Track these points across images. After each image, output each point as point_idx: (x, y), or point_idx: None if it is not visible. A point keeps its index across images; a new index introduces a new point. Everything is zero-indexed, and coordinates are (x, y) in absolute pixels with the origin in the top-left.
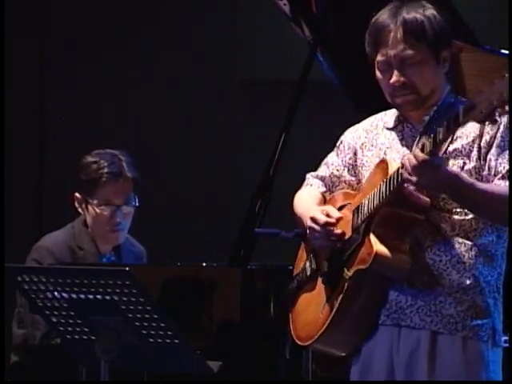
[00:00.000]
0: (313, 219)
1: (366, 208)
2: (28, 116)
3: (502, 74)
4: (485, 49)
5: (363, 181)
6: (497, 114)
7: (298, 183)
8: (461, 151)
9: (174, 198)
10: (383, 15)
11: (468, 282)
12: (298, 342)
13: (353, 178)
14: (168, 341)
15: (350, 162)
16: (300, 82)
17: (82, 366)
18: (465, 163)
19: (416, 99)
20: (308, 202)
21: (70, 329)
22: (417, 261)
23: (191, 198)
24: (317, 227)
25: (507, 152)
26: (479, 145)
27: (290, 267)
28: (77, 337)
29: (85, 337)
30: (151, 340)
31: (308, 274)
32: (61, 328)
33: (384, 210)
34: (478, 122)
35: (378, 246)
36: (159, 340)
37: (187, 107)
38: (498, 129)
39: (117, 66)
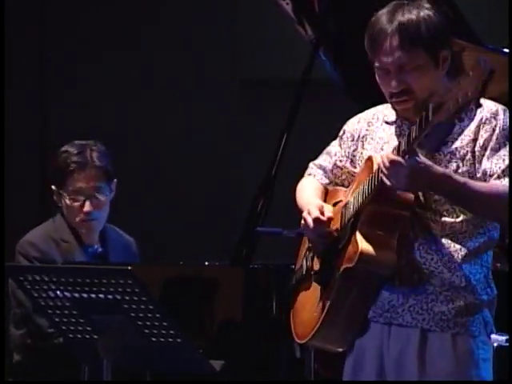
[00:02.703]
0: (308, 211)
1: (351, 206)
2: (28, 116)
3: (467, 72)
4: (487, 48)
5: None
6: (463, 112)
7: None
8: (455, 154)
9: (175, 197)
10: (381, 17)
11: (459, 281)
12: (297, 340)
13: (355, 170)
14: (170, 340)
15: (354, 153)
16: (303, 81)
17: (85, 366)
18: (458, 166)
19: (415, 105)
20: (310, 194)
21: (72, 328)
22: (408, 259)
23: (192, 198)
24: (309, 221)
25: (502, 153)
26: (473, 149)
27: (292, 266)
28: (79, 336)
29: (87, 336)
30: (153, 339)
31: (304, 272)
32: (63, 327)
33: (368, 207)
34: (447, 120)
35: (364, 245)
36: (161, 339)
37: (187, 107)
38: (494, 131)
39: (117, 66)
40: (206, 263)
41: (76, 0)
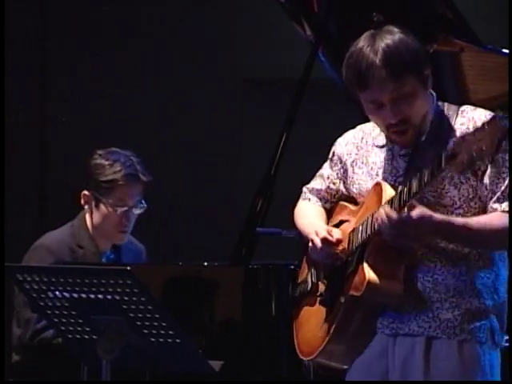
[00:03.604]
0: (316, 233)
1: (359, 235)
2: (29, 116)
3: (482, 125)
4: (486, 48)
5: (356, 197)
6: (477, 165)
7: (300, 182)
8: (440, 175)
9: (175, 197)
10: (362, 51)
11: (464, 285)
12: (300, 355)
13: (348, 192)
14: (169, 340)
15: (345, 175)
16: (302, 81)
17: (84, 366)
18: (462, 182)
19: (412, 133)
20: (312, 216)
21: (71, 328)
22: (411, 275)
23: (192, 198)
24: (317, 241)
25: (502, 169)
26: None
27: (292, 266)
28: (78, 336)
29: (86, 336)
30: (153, 339)
31: (309, 287)
32: (62, 327)
33: (376, 238)
34: (460, 173)
35: (371, 275)
36: (161, 339)
37: (187, 107)
38: None
39: (117, 66)
40: (205, 263)
41: (77, 0)
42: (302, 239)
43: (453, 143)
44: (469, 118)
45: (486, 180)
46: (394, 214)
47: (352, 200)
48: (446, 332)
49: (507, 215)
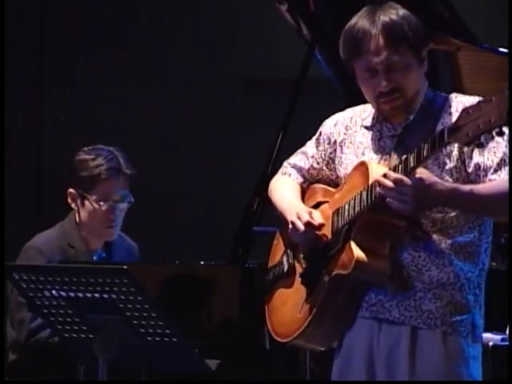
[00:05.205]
0: (298, 216)
1: (346, 213)
2: (28, 116)
3: (489, 97)
4: (483, 47)
5: (340, 177)
6: (483, 138)
7: None
8: (441, 151)
9: (175, 196)
10: (359, 21)
11: (447, 277)
12: (276, 338)
13: (331, 173)
14: (166, 339)
15: (331, 156)
16: (298, 80)
17: (81, 365)
18: (445, 163)
19: (403, 103)
20: (290, 195)
21: (68, 327)
22: (396, 257)
23: (191, 197)
24: (299, 224)
25: (491, 145)
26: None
27: None
28: (75, 335)
29: (83, 335)
30: (149, 338)
31: (285, 269)
32: (59, 327)
33: (365, 216)
34: (464, 145)
35: (359, 253)
36: (157, 338)
37: (187, 107)
38: None
39: (117, 66)
40: (202, 262)
41: (76, 0)
42: (276, 213)
43: (456, 116)
44: (458, 101)
45: (476, 155)
46: (396, 174)
47: (327, 184)
48: (427, 323)
49: (507, 181)
